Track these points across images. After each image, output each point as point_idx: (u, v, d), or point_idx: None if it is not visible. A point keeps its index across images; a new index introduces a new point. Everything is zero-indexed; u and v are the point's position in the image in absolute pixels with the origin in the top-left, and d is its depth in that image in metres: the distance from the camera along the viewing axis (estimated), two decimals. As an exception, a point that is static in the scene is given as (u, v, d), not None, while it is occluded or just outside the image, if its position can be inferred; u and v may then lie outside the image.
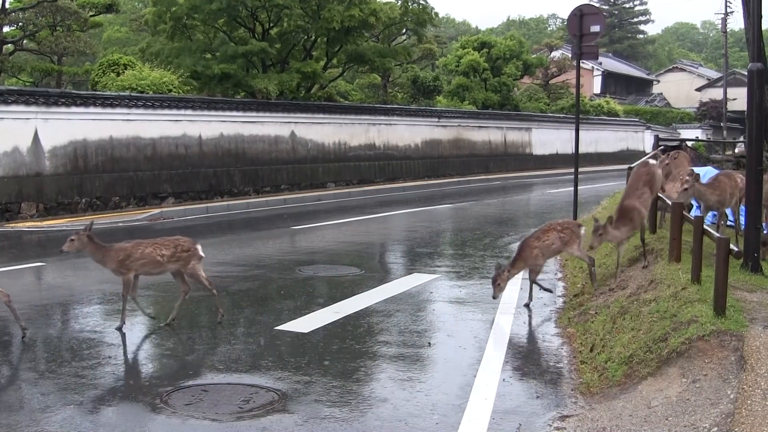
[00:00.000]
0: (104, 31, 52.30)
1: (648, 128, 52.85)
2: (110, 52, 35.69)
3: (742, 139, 44.45)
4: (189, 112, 22.65)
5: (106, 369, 7.12)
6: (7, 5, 25.85)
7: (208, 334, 8.45)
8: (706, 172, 15.52)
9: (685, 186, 10.53)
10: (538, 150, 41.47)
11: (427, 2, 32.00)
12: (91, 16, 27.99)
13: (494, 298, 9.31)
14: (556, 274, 11.82)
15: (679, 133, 51.10)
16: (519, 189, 29.75)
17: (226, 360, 7.39)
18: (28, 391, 6.53)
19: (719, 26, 62.00)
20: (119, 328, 8.42)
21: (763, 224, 9.90)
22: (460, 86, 42.47)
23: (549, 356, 7.54)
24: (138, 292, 10.44)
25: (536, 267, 9.71)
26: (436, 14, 33.75)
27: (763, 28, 9.20)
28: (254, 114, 25.01)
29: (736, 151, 32.73)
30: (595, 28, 16.46)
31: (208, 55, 27.26)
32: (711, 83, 70.32)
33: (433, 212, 20.90)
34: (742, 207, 12.11)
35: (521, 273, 11.67)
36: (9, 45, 27.29)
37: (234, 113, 24.24)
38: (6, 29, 27.17)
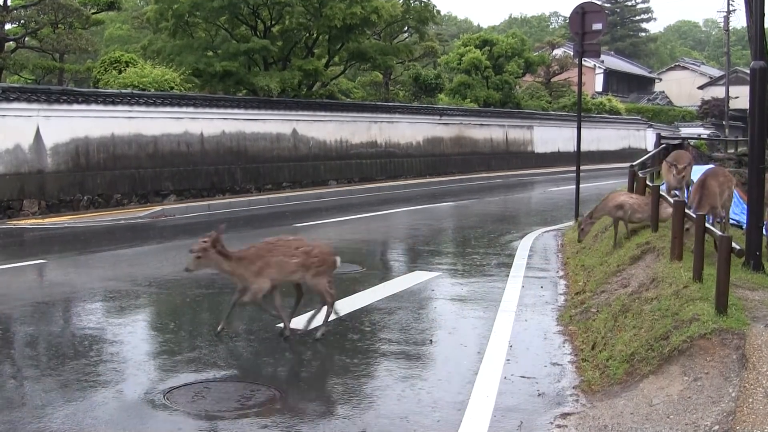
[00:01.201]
0: (106, 28, 52.36)
1: (650, 126, 52.83)
2: (112, 50, 35.72)
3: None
4: (191, 109, 22.66)
5: (108, 366, 7.12)
6: (8, 3, 25.85)
7: (210, 332, 8.45)
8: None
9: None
10: (540, 148, 41.46)
11: (428, 0, 32.01)
12: (92, 13, 27.99)
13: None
14: (558, 272, 11.81)
15: (681, 132, 51.06)
16: (521, 187, 29.74)
17: (228, 357, 7.39)
18: (30, 388, 6.54)
19: (721, 24, 61.97)
20: None
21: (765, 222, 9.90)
22: (462, 84, 42.45)
23: (550, 354, 7.53)
24: (141, 288, 10.48)
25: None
26: (438, 12, 33.73)
27: (766, 26, 9.18)
28: (256, 112, 25.01)
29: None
30: (597, 26, 16.45)
31: (210, 53, 27.27)
32: (713, 81, 70.26)
33: (434, 210, 20.90)
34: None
35: (522, 270, 11.71)
36: (11, 42, 27.29)
37: (236, 111, 24.24)
38: (8, 26, 27.14)
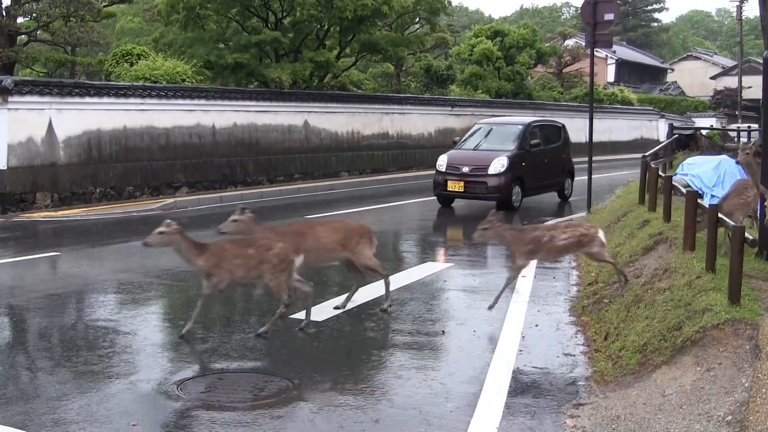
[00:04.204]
0: (117, 21, 52.46)
1: (662, 117, 52.57)
2: (123, 43, 35.77)
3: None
4: (202, 101, 22.67)
5: (122, 357, 7.16)
6: (21, -4, 25.94)
7: (223, 323, 8.49)
8: (720, 162, 15.48)
9: None
10: (552, 139, 41.29)
11: (440, -9, 31.91)
12: (104, 6, 28.04)
13: None
14: (570, 263, 11.79)
15: (694, 122, 50.84)
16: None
17: (241, 348, 7.42)
18: (44, 380, 6.57)
19: (734, 14, 61.49)
20: None
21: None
22: (474, 75, 42.34)
23: (563, 345, 7.54)
24: (154, 280, 10.51)
25: None
26: (449, 3, 33.66)
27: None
28: (267, 103, 25.00)
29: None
30: (609, 16, 16.38)
31: (221, 45, 27.27)
32: (726, 71, 69.90)
33: (446, 201, 20.86)
34: None
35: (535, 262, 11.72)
36: (23, 36, 27.37)
37: (247, 103, 24.24)
38: (20, 20, 27.24)
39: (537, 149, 19.07)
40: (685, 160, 17.39)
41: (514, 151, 18.57)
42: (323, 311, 8.73)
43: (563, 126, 22.01)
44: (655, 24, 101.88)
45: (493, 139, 19.55)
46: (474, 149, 19.30)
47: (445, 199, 19.01)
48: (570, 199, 20.28)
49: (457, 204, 19.22)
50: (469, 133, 20.65)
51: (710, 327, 6.08)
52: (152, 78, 22.86)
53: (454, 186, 18.29)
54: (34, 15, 26.94)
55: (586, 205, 16.77)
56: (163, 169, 21.36)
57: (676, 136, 26.24)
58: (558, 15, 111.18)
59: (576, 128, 41.52)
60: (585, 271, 10.91)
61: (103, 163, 19.83)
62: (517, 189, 18.23)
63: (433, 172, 19.31)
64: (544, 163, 19.35)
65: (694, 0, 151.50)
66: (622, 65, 70.06)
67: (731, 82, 60.30)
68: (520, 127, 19.68)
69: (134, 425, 5.56)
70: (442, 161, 18.84)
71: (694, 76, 73.91)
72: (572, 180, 21.00)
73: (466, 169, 18.23)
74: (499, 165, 17.89)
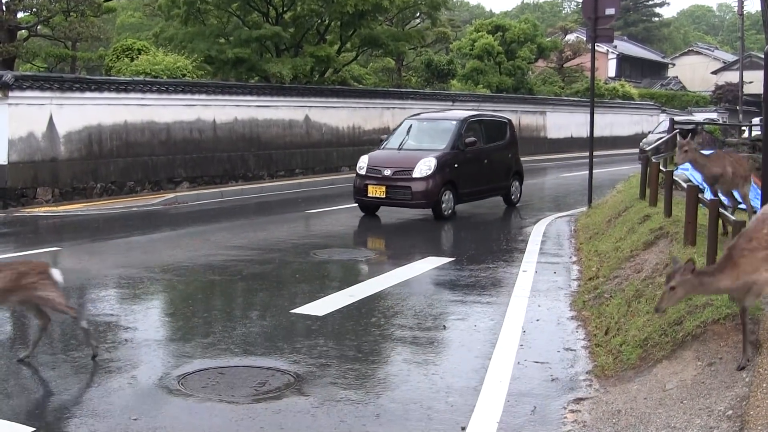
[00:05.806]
0: (118, 16, 52.42)
1: (663, 111, 52.53)
2: (124, 38, 35.79)
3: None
4: (203, 96, 22.67)
5: (123, 352, 7.16)
6: (21, -9, 25.92)
7: (224, 318, 8.49)
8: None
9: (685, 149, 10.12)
10: (553, 133, 41.29)
11: (440, -15, 31.87)
12: (104, 1, 28.03)
13: None
14: (571, 257, 11.80)
15: (695, 117, 50.78)
16: (533, 173, 29.57)
17: (242, 343, 7.42)
18: (45, 374, 6.58)
19: (735, 9, 61.40)
20: None
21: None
22: (474, 70, 42.32)
23: (563, 339, 7.54)
24: (155, 275, 10.51)
25: None
26: (450, -2, 33.59)
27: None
28: (268, 98, 25.01)
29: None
30: (610, 11, 16.36)
31: (222, 40, 27.29)
32: (727, 66, 69.79)
33: (447, 196, 20.82)
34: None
35: (535, 256, 11.71)
36: (23, 31, 27.36)
37: (248, 98, 24.25)
38: (20, 15, 27.23)
39: (474, 148, 16.70)
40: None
41: (445, 150, 16.23)
42: (324, 306, 8.74)
43: (509, 121, 19.31)
44: (657, 19, 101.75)
45: (422, 137, 17.19)
46: (399, 149, 16.85)
47: (366, 206, 16.71)
48: (518, 204, 18.66)
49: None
50: (397, 130, 18.09)
51: (711, 322, 6.08)
52: (153, 73, 22.87)
53: (375, 191, 16.01)
54: (34, 10, 26.91)
55: (587, 200, 16.76)
56: (164, 164, 21.38)
57: (677, 130, 26.17)
58: (559, 10, 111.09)
59: (577, 123, 41.69)
60: (586, 266, 10.91)
61: (104, 158, 19.85)
62: (448, 195, 16.00)
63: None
64: (484, 165, 17.17)
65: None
66: (623, 60, 70.01)
67: (732, 77, 60.21)
68: (454, 123, 17.06)
69: (135, 420, 5.56)
70: (363, 163, 16.53)
71: (695, 71, 73.81)
72: (521, 183, 18.89)
73: (388, 172, 15.93)
74: (425, 167, 15.60)
